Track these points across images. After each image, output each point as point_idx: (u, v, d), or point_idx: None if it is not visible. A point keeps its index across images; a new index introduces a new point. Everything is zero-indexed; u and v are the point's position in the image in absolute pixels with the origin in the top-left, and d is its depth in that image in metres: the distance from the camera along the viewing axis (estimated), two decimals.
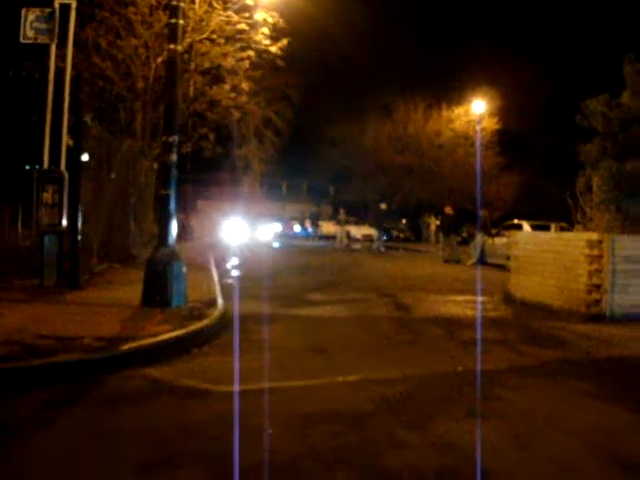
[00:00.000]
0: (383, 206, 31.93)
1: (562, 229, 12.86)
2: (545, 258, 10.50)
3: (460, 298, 11.49)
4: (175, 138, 8.22)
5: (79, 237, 9.18)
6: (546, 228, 19.60)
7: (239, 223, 29.32)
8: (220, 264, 14.67)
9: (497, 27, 54.83)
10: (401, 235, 44.52)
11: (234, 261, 16.24)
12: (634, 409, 4.83)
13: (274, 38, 17.18)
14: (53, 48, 9.89)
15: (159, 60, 15.41)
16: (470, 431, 4.14)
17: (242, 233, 24.77)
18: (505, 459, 3.75)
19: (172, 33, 8.30)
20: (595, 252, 9.30)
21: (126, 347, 5.65)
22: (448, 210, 22.95)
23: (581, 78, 36.80)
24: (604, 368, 6.39)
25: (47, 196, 9.22)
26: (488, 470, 3.54)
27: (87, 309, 7.56)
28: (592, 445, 4.02)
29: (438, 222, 37.77)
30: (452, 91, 38.90)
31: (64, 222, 9.20)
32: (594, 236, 9.53)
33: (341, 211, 32.80)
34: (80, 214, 9.17)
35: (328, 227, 43.40)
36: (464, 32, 47.87)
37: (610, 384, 5.66)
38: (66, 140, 10.13)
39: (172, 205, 8.11)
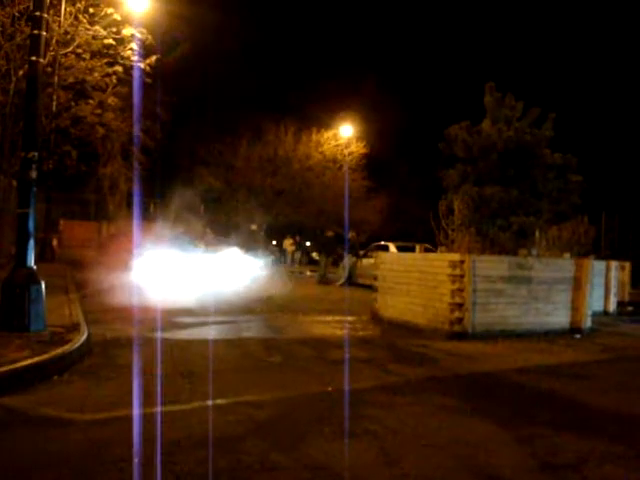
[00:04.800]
0: (253, 227, 31.96)
1: (426, 250, 13.26)
2: (410, 278, 10.82)
3: (329, 318, 11.62)
4: (35, 154, 7.81)
5: None
6: (411, 249, 20.05)
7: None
8: (83, 287, 14.10)
9: (365, 54, 56.74)
10: (272, 256, 44.58)
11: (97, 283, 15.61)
12: (496, 421, 5.05)
13: (143, 55, 16.83)
14: None
15: (20, 73, 14.68)
16: (341, 451, 4.16)
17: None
18: (377, 477, 3.79)
19: (34, 45, 7.93)
20: (457, 272, 9.69)
21: None
22: (329, 233, 25.03)
23: (444, 104, 38.74)
24: (467, 383, 6.66)
25: None
26: None
27: None
28: (460, 459, 4.14)
29: (292, 244, 38.60)
30: (322, 115, 39.65)
31: None
32: (456, 256, 9.92)
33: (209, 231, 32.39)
34: None
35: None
36: (333, 57, 49.17)
37: (473, 398, 5.89)
38: None
39: (31, 224, 7.67)
